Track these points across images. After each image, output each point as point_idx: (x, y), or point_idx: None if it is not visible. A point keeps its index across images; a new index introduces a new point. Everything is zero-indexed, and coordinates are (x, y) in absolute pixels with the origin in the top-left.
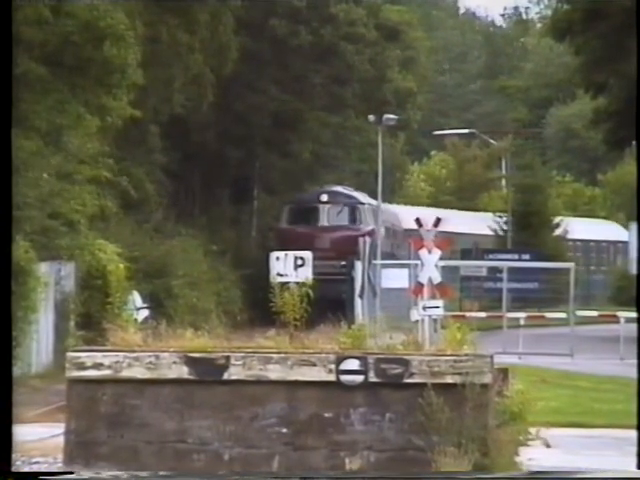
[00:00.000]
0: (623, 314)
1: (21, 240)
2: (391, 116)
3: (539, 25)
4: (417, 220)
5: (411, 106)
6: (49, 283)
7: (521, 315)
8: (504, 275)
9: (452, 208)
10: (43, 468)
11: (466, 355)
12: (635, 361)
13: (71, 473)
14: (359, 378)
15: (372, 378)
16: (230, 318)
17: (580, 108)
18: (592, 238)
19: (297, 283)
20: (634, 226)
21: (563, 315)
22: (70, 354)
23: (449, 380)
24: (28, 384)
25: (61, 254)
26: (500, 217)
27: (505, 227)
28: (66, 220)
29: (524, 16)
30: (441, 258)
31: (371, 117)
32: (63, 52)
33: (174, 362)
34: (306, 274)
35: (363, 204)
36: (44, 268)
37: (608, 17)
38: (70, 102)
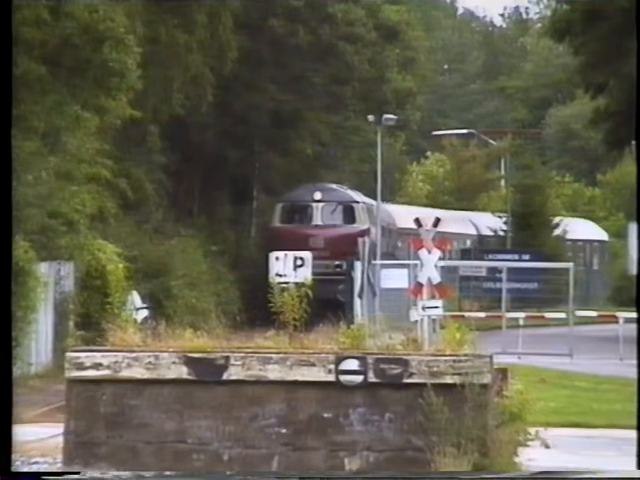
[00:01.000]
0: (622, 314)
1: (21, 240)
2: (390, 116)
3: (538, 25)
4: (416, 220)
5: (410, 106)
6: (48, 283)
7: (520, 315)
8: (503, 275)
9: (451, 208)
10: (42, 468)
11: (465, 355)
12: (634, 361)
13: (76, 473)
14: (358, 378)
15: (371, 378)
16: (229, 318)
17: (580, 108)
18: (569, 237)
19: (296, 283)
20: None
21: (562, 315)
22: (69, 354)
23: (448, 380)
24: (27, 384)
25: (60, 254)
26: (500, 217)
27: (504, 227)
28: (65, 220)
29: (524, 16)
30: (440, 258)
31: (370, 117)
32: (62, 53)
33: (173, 362)
34: (305, 274)
35: (358, 202)
36: (43, 268)
37: (607, 18)
38: (69, 103)
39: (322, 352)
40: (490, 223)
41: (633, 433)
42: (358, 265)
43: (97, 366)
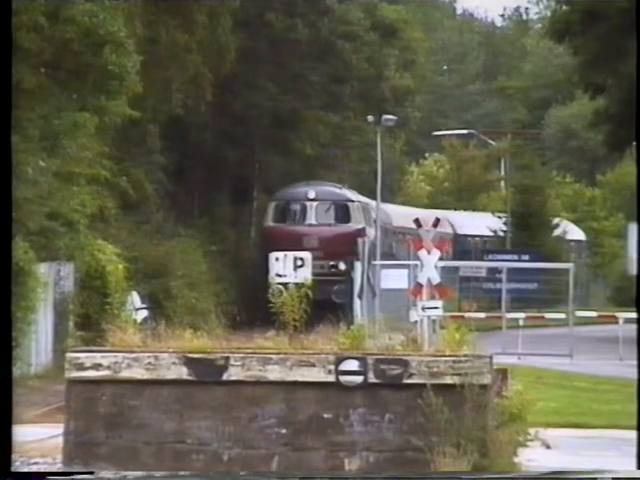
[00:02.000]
0: (622, 315)
1: (20, 241)
2: (390, 116)
3: (538, 26)
4: (416, 221)
5: (410, 106)
6: (48, 284)
7: (520, 316)
8: (503, 276)
9: (450, 208)
10: (42, 469)
11: (465, 356)
12: (634, 362)
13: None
14: (358, 379)
15: (371, 379)
16: (229, 319)
17: (579, 109)
18: None
19: (296, 284)
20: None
21: (562, 316)
22: (69, 355)
23: (448, 381)
24: (27, 384)
25: (60, 255)
26: (499, 217)
27: (504, 227)
28: (65, 220)
29: (523, 17)
30: (440, 259)
31: (370, 117)
32: (62, 57)
33: (173, 363)
34: (305, 275)
35: (353, 201)
36: (43, 269)
37: (606, 18)
38: (67, 107)
39: (322, 353)
40: (466, 222)
41: (633, 434)
42: (358, 265)
43: (97, 366)
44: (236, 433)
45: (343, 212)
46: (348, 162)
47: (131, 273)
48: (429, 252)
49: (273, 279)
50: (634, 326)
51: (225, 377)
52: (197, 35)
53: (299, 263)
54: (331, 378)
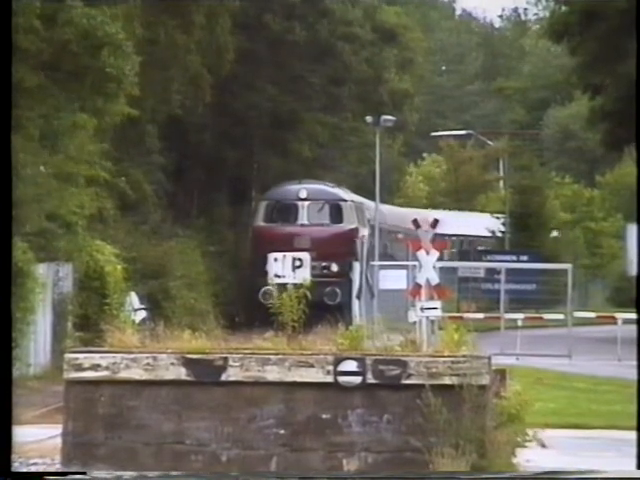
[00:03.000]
0: (621, 315)
1: (19, 241)
2: (389, 117)
3: (537, 27)
4: (415, 221)
5: (408, 107)
6: (47, 284)
7: (519, 316)
8: (502, 276)
9: (448, 209)
10: (41, 469)
11: (464, 356)
12: (633, 362)
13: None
14: (357, 379)
15: (370, 379)
16: (228, 319)
17: (578, 109)
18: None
19: (295, 284)
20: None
21: (561, 316)
22: (68, 355)
23: (447, 381)
24: (26, 385)
25: (59, 255)
26: (498, 218)
27: (503, 228)
28: (64, 221)
29: (522, 17)
30: (439, 259)
31: (368, 118)
32: (60, 59)
33: (172, 363)
34: (304, 275)
35: (345, 201)
36: (42, 269)
37: (605, 19)
38: (66, 108)
39: (321, 353)
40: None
41: (632, 434)
42: (356, 266)
43: (95, 367)
44: (235, 434)
45: (336, 212)
46: (346, 163)
47: (130, 274)
48: (428, 253)
49: (272, 280)
50: (633, 327)
51: (224, 378)
52: (196, 36)
53: (297, 264)
54: (330, 379)
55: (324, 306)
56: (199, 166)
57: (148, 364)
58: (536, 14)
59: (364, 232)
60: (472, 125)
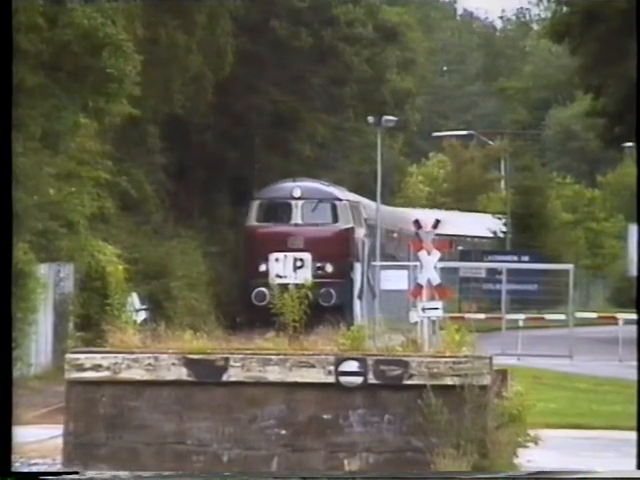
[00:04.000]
0: (622, 316)
1: (20, 242)
2: (390, 117)
3: (538, 27)
4: (416, 222)
5: (410, 107)
6: (48, 284)
7: (520, 317)
8: (503, 277)
9: (450, 209)
10: (42, 469)
11: (465, 357)
12: (634, 363)
13: (75, 473)
14: (358, 380)
15: (371, 380)
16: (229, 320)
17: (579, 110)
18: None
19: (296, 284)
20: (634, 228)
21: (562, 317)
22: (69, 355)
23: (448, 382)
24: (27, 385)
25: (60, 255)
26: (499, 219)
27: (504, 228)
28: (65, 221)
29: (523, 18)
30: (440, 259)
31: (370, 119)
32: (61, 59)
33: (173, 363)
34: (305, 276)
35: (340, 200)
36: (43, 269)
37: (606, 20)
38: (67, 108)
39: (322, 353)
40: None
41: (633, 434)
42: (357, 266)
43: (97, 367)
44: (236, 434)
45: (330, 211)
46: (348, 163)
47: (131, 274)
48: (429, 253)
49: (273, 280)
50: (634, 327)
51: (225, 378)
52: (197, 36)
53: (299, 264)
54: (331, 379)
55: (319, 307)
56: (200, 166)
57: (149, 364)
58: (537, 15)
59: (360, 232)
60: (473, 125)
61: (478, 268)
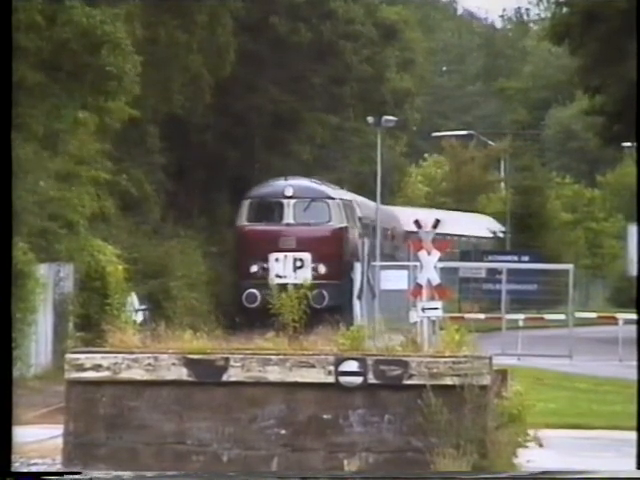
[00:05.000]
0: (622, 315)
1: (20, 242)
2: (390, 118)
3: (538, 27)
4: (416, 222)
5: (409, 107)
6: (48, 285)
7: (520, 317)
8: (503, 277)
9: (449, 209)
10: (42, 469)
11: (465, 357)
12: (634, 363)
13: (75, 473)
14: (358, 380)
15: (371, 380)
16: (229, 319)
17: (579, 110)
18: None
19: (295, 285)
20: (634, 228)
21: (562, 317)
22: (69, 355)
23: (448, 382)
24: (27, 385)
25: (60, 256)
26: (499, 219)
27: (504, 228)
28: (65, 221)
29: (523, 18)
30: (440, 259)
31: (370, 119)
32: (60, 57)
33: (173, 363)
34: (305, 276)
35: (333, 199)
36: (43, 270)
37: (606, 20)
38: (67, 106)
39: (322, 353)
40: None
41: (633, 434)
42: (357, 266)
43: (97, 367)
44: (236, 434)
45: (323, 210)
46: (348, 163)
47: (131, 274)
48: (429, 253)
49: (273, 280)
50: (634, 327)
51: (225, 378)
52: (197, 35)
53: (298, 264)
54: (331, 379)
55: (312, 310)
56: (200, 166)
57: (149, 364)
58: (537, 15)
59: (354, 231)
60: (473, 125)
61: (478, 268)
